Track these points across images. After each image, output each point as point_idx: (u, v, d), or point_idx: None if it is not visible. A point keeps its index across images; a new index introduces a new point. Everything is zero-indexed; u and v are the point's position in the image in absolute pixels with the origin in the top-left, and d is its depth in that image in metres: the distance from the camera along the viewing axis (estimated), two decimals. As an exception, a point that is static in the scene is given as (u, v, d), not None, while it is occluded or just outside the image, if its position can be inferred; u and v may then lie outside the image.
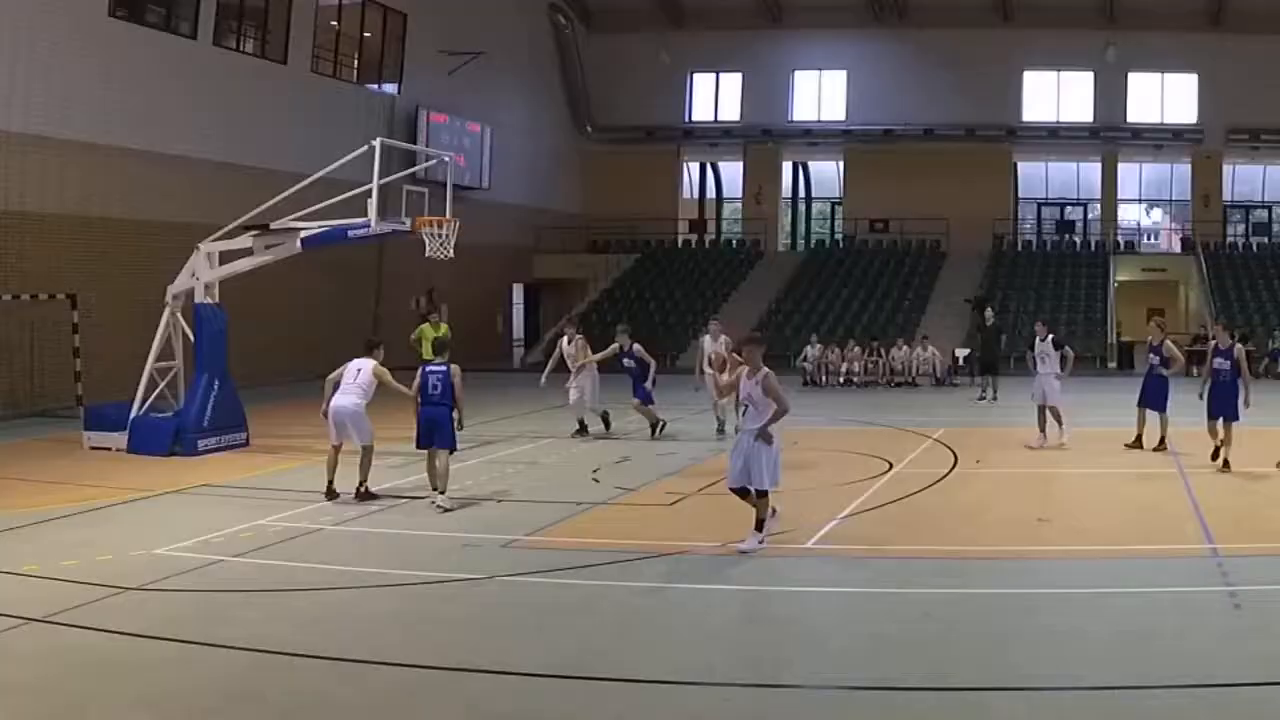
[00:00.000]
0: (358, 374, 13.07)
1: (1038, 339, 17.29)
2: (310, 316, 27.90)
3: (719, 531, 10.95)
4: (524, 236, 38.77)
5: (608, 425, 18.10)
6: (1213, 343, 14.92)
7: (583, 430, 17.86)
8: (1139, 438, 16.12)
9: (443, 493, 12.32)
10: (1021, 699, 6.76)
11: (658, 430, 17.71)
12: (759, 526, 10.34)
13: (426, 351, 18.70)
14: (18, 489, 13.53)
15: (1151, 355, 16.39)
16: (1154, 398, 16.05)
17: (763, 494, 10.32)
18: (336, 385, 13.14)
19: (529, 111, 38.78)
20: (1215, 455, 14.25)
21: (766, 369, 10.33)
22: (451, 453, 12.61)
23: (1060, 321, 33.56)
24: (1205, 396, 14.43)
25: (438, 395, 12.46)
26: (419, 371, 12.72)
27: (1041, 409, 16.79)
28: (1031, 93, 40.11)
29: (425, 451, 12.69)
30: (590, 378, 17.91)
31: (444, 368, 12.60)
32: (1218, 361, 14.42)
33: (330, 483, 12.89)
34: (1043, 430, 16.72)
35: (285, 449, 16.71)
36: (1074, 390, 23.09)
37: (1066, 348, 17.44)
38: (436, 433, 12.44)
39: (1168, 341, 16.48)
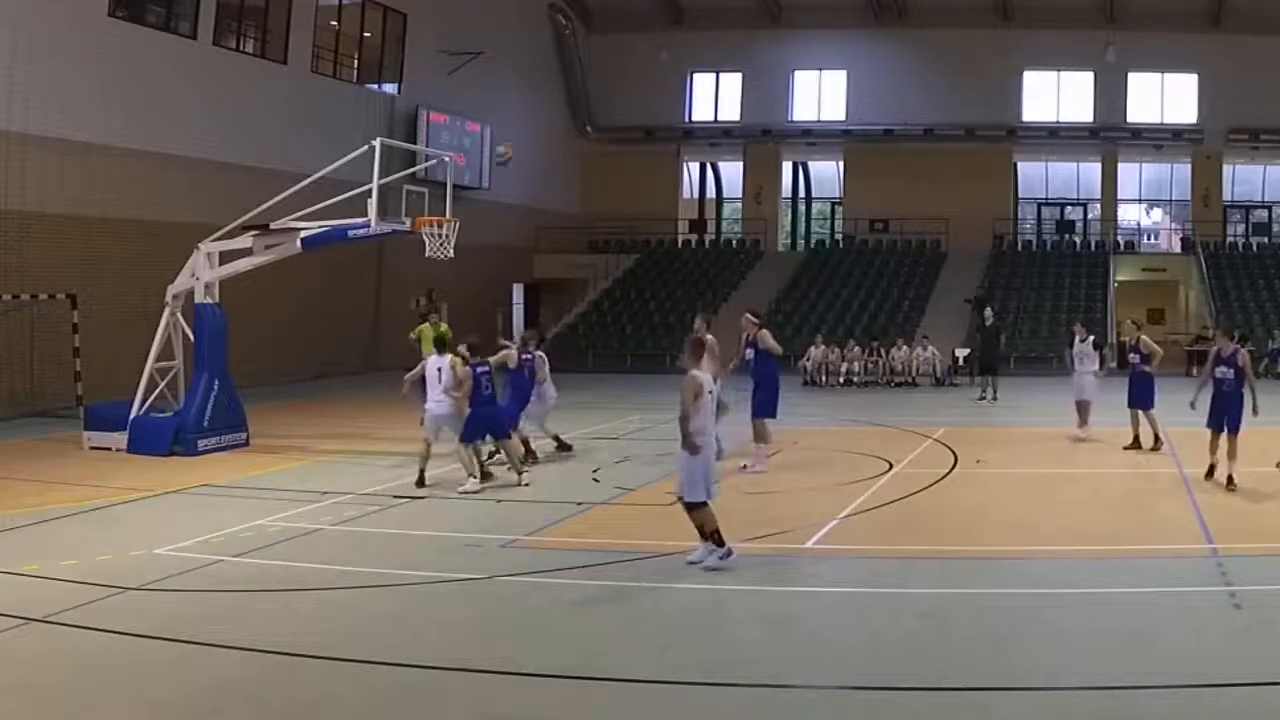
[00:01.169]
0: (440, 374, 13.60)
1: (1077, 339, 17.94)
2: (310, 316, 27.92)
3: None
4: (524, 236, 38.77)
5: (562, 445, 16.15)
6: (1214, 349, 13.68)
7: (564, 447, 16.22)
8: (1136, 439, 16.21)
9: (520, 473, 13.64)
10: (1021, 699, 6.77)
11: (520, 477, 13.93)
12: (704, 536, 9.75)
13: (427, 350, 18.67)
14: (18, 489, 13.53)
15: (1132, 355, 16.59)
16: (1140, 397, 16.16)
17: (689, 506, 9.76)
18: (422, 381, 13.91)
19: (529, 111, 38.76)
20: (1210, 473, 13.25)
21: (693, 372, 9.83)
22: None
23: (1060, 322, 33.59)
24: (1196, 404, 13.42)
25: (489, 394, 13.47)
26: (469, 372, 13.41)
27: (1079, 403, 17.44)
28: (1031, 93, 40.11)
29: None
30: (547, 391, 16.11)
31: (489, 366, 13.59)
32: (1220, 370, 13.23)
33: (422, 471, 13.54)
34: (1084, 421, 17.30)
35: (285, 449, 16.72)
36: (1074, 390, 23.02)
37: (1105, 349, 17.88)
38: (495, 427, 13.66)
39: (1143, 338, 16.65)
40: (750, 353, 14.94)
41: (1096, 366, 17.54)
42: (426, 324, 19.42)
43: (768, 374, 14.92)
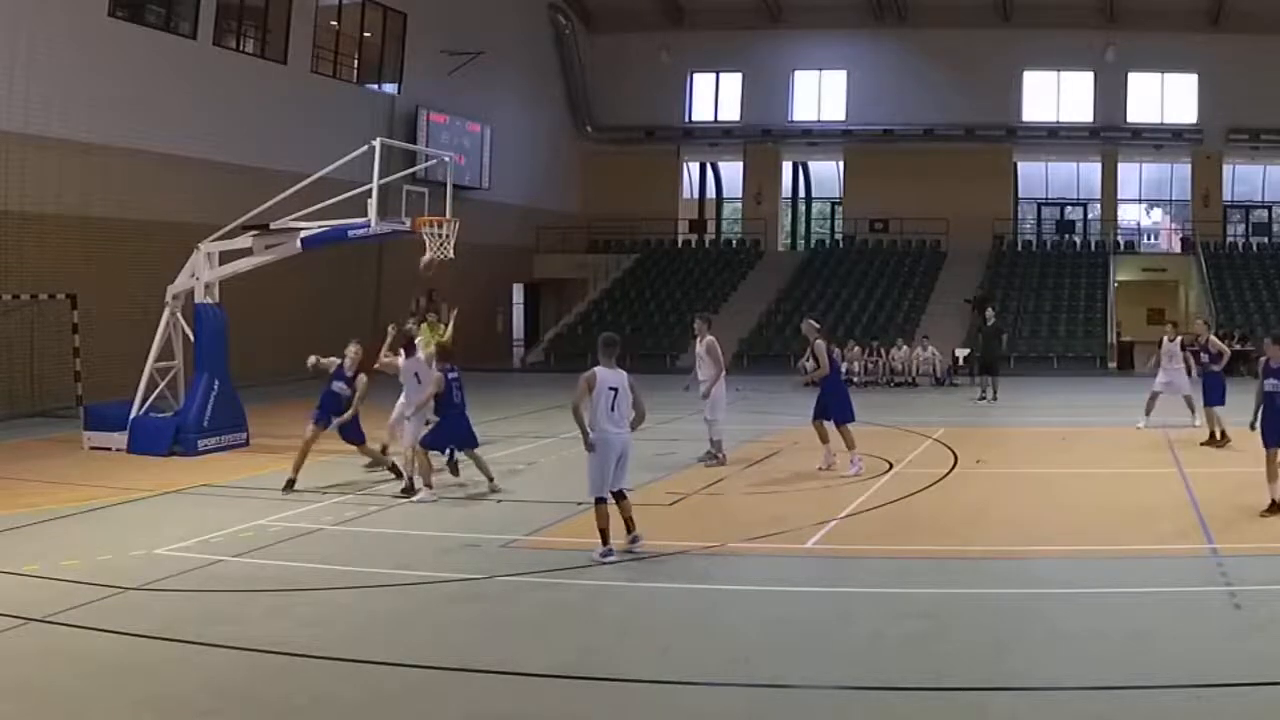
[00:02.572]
0: (418, 378, 13.46)
1: (1165, 339, 18.64)
2: (310, 316, 27.88)
3: (719, 531, 10.95)
4: (524, 236, 38.77)
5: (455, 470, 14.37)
6: (1263, 360, 12.33)
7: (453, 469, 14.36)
8: (1213, 434, 16.38)
9: (492, 479, 13.13)
10: (1021, 699, 6.77)
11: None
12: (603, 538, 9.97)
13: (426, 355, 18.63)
14: (18, 489, 13.53)
15: (1203, 355, 16.87)
16: (1213, 395, 16.44)
17: (595, 501, 10.01)
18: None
19: (529, 111, 38.77)
20: (1275, 509, 11.56)
21: (596, 367, 9.97)
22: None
23: (1060, 321, 33.62)
24: (1258, 426, 11.98)
25: (460, 401, 13.08)
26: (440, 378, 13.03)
27: (1187, 399, 18.00)
28: (1031, 93, 40.09)
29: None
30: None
31: (458, 374, 13.15)
32: (1271, 383, 11.91)
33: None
34: (1193, 412, 17.68)
35: (285, 449, 16.65)
36: (1076, 391, 23.11)
37: (1188, 351, 18.40)
38: (465, 438, 13.24)
39: (1211, 338, 17.13)
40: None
41: (1183, 365, 18.13)
42: (424, 324, 19.39)
43: (832, 380, 15.06)
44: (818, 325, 15.44)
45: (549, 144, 40.05)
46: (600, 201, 41.20)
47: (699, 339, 15.73)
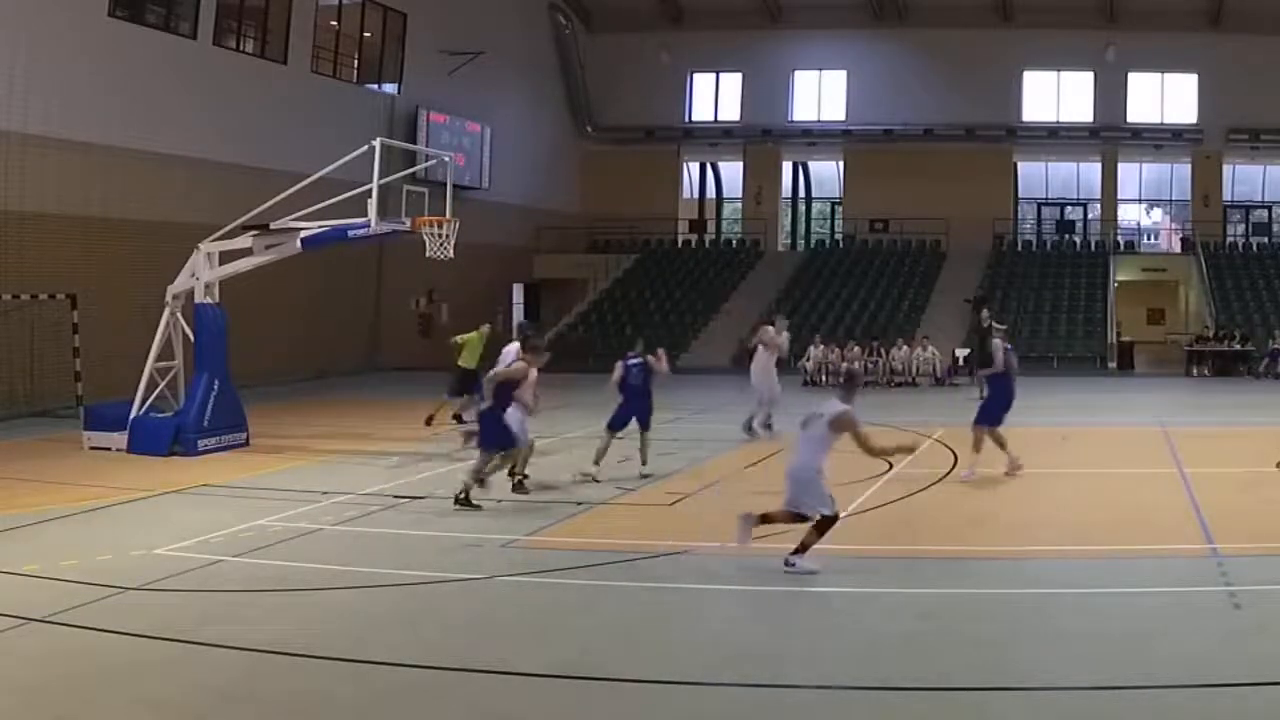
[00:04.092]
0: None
1: None
2: (310, 316, 27.92)
3: (719, 531, 10.94)
4: (524, 236, 38.79)
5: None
6: None
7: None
8: None
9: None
10: (1021, 699, 6.77)
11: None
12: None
13: (466, 359, 18.54)
14: (18, 489, 13.52)
15: None
16: None
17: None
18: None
19: (529, 111, 38.78)
20: None
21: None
22: None
23: (1060, 321, 33.62)
24: None
25: (641, 386, 14.44)
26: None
27: None
28: (1031, 93, 40.10)
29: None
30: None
31: (642, 359, 14.55)
32: None
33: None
34: None
35: (285, 449, 16.71)
36: (1076, 391, 23.05)
37: None
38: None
39: None
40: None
41: None
42: (475, 332, 19.11)
43: (1004, 381, 14.75)
44: (1002, 325, 14.98)
45: (549, 144, 40.06)
46: (600, 201, 41.20)
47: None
